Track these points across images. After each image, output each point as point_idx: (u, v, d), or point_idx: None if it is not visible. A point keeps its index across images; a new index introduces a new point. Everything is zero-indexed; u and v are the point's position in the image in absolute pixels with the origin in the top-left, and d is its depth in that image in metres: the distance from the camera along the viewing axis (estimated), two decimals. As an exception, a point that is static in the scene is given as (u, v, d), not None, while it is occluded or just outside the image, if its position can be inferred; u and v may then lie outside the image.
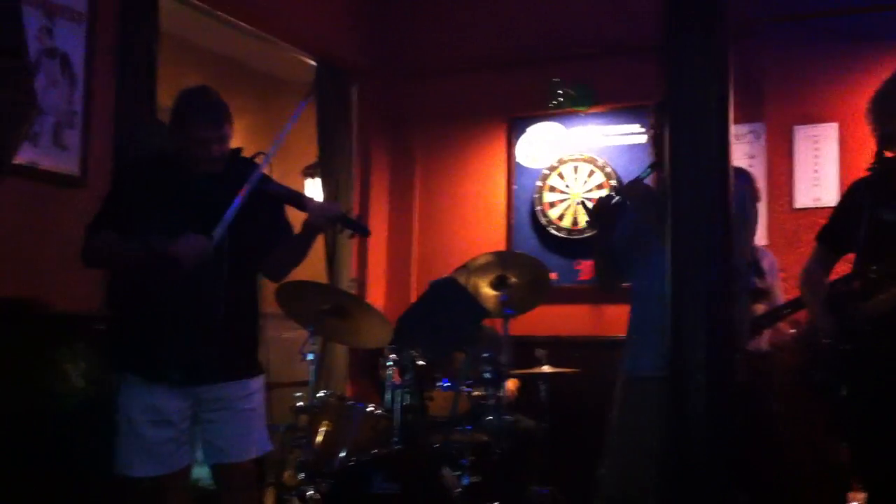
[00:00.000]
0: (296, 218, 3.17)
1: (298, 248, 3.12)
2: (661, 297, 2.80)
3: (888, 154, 2.83)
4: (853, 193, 2.95)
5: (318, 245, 5.33)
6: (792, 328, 3.87)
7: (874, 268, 2.85)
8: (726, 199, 2.36)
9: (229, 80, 5.83)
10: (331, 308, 4.10)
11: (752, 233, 3.50)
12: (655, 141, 3.11)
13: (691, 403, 2.29)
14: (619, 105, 5.48)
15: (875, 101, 2.94)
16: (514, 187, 5.74)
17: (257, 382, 3.10)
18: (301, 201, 3.08)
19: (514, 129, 5.77)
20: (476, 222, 5.87)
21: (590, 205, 3.74)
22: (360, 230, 3.13)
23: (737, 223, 3.78)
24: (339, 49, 5.66)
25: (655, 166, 3.06)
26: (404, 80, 6.09)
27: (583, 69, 5.52)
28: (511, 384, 4.60)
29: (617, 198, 3.07)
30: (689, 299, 2.32)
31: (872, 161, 2.81)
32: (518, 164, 5.74)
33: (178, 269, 2.78)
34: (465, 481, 3.80)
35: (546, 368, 4.51)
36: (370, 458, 3.78)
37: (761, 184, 5.09)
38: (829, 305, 2.89)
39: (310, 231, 3.06)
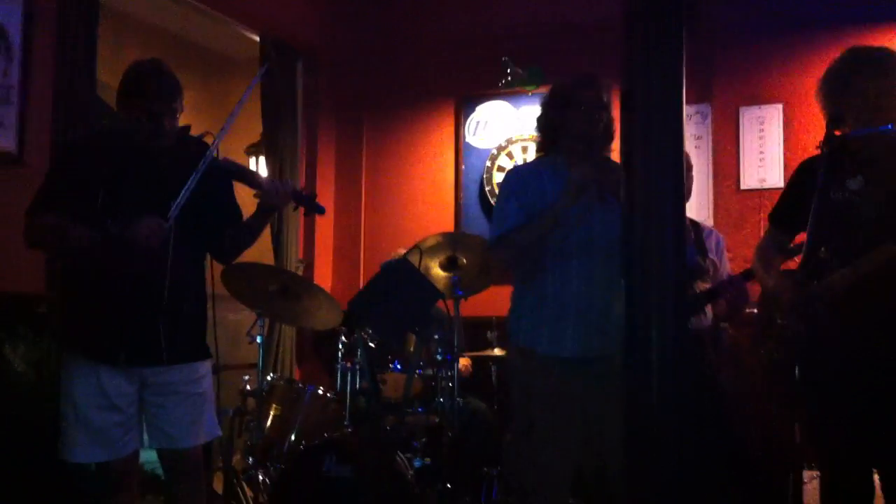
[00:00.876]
0: (245, 200, 3.11)
1: (251, 228, 3.06)
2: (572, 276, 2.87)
3: (837, 133, 2.85)
4: (802, 173, 2.97)
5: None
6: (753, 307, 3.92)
7: (823, 248, 2.88)
8: (681, 183, 2.38)
9: (171, 56, 5.61)
10: (278, 289, 4.04)
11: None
12: (541, 125, 3.12)
13: (650, 387, 2.32)
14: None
15: (824, 81, 2.97)
16: (463, 167, 5.70)
17: (205, 366, 3.04)
18: (253, 179, 3.02)
19: (463, 108, 5.73)
20: (424, 202, 5.83)
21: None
22: (315, 207, 3.06)
23: None
24: (285, 25, 5.56)
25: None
26: (352, 57, 6.01)
27: (533, 48, 5.49)
28: (464, 362, 4.60)
29: None
30: (644, 283, 2.35)
31: (821, 140, 2.83)
32: (467, 143, 5.71)
33: (133, 252, 2.71)
34: (416, 464, 3.79)
35: (497, 351, 4.50)
36: (321, 441, 3.74)
37: (707, 165, 5.15)
38: (783, 285, 2.91)
39: (264, 211, 3.01)
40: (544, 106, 3.11)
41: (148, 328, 2.86)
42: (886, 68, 2.87)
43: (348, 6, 5.98)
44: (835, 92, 2.92)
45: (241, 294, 4.10)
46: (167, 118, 2.88)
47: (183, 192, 2.75)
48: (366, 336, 3.75)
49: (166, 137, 2.90)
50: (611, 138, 3.00)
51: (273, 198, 2.96)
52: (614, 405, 2.43)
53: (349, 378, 3.92)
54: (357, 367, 3.82)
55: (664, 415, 2.31)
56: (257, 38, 5.45)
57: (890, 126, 2.84)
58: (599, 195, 2.89)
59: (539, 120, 3.13)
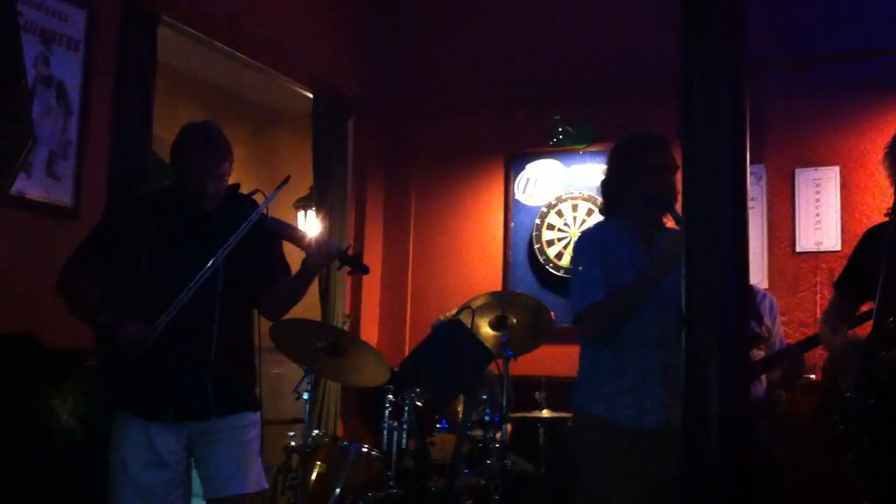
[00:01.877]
0: (293, 255, 3.11)
1: (297, 286, 3.08)
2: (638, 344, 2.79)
3: None
4: (869, 240, 2.91)
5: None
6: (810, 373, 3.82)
7: (892, 318, 2.80)
8: (743, 244, 2.33)
9: (224, 111, 5.77)
10: (326, 345, 4.02)
11: None
12: (606, 186, 3.08)
13: (708, 457, 2.25)
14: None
15: (891, 148, 2.91)
16: (512, 225, 5.67)
17: (253, 416, 3.03)
18: (299, 237, 3.04)
19: (513, 166, 5.72)
20: (472, 260, 5.79)
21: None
22: (360, 267, 3.07)
23: None
24: (337, 82, 5.61)
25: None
26: (403, 115, 6.05)
27: (582, 108, 5.49)
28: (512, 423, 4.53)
29: None
30: (704, 349, 2.29)
31: (890, 208, 2.78)
32: (516, 201, 5.68)
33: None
34: (463, 525, 3.71)
35: (545, 412, 4.42)
36: (365, 500, 3.67)
37: (762, 227, 5.06)
38: (851, 355, 2.83)
39: (308, 269, 3.02)
40: (611, 166, 3.07)
41: (196, 384, 2.88)
42: None
43: (399, 63, 6.03)
44: None
45: (289, 349, 4.08)
46: (212, 181, 2.92)
47: (218, 252, 2.79)
48: (415, 396, 3.71)
49: (212, 199, 2.95)
50: (675, 201, 2.95)
51: (317, 257, 2.98)
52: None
53: (395, 437, 3.86)
54: (404, 426, 3.76)
55: (721, 485, 2.25)
56: (309, 94, 5.51)
57: None
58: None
59: (605, 181, 3.09)
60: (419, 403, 3.74)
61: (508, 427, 4.54)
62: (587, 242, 3.04)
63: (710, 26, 2.35)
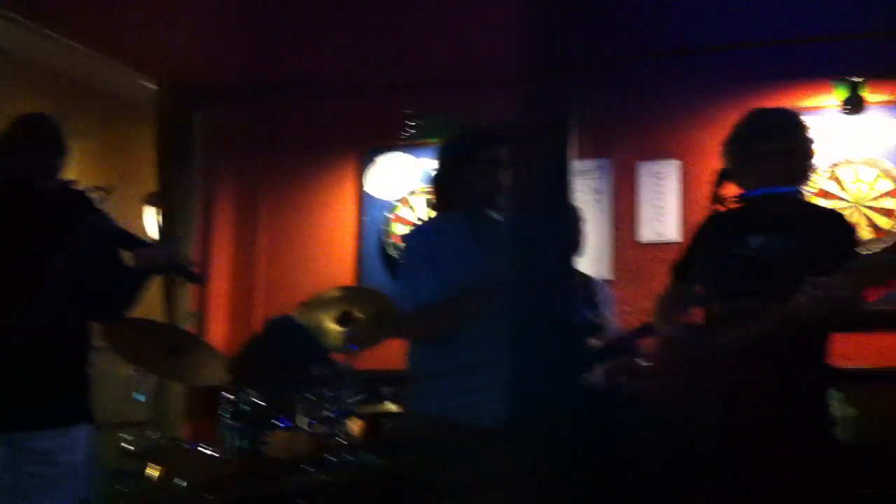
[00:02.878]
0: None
1: (128, 291, 2.98)
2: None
3: (740, 191, 2.89)
4: (705, 229, 2.98)
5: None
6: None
7: (721, 304, 2.89)
8: (568, 241, 2.35)
9: (70, 102, 5.49)
10: (165, 346, 3.88)
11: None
12: (440, 181, 3.04)
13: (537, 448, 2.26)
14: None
15: (727, 143, 2.99)
16: (365, 218, 5.62)
17: (81, 431, 2.89)
18: (130, 243, 2.94)
19: (365, 158, 5.67)
20: (324, 254, 5.72)
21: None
22: (191, 277, 2.99)
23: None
24: (182, 72, 5.41)
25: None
26: (253, 106, 5.89)
27: (438, 98, 5.44)
28: (356, 425, 4.48)
29: None
30: (531, 342, 2.30)
31: (723, 197, 2.87)
32: (368, 194, 5.64)
33: None
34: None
35: (392, 406, 4.39)
36: (203, 502, 3.57)
37: (606, 218, 5.17)
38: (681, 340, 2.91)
39: (139, 275, 2.92)
40: (443, 161, 3.03)
41: (20, 389, 2.74)
42: (785, 130, 2.91)
43: (250, 52, 5.86)
44: (736, 153, 2.96)
45: (124, 351, 3.92)
46: (40, 178, 2.82)
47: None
48: (252, 393, 3.62)
49: (39, 196, 2.83)
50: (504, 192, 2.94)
51: (145, 264, 2.89)
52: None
53: (235, 437, 3.76)
54: (242, 425, 3.67)
55: (553, 475, 2.26)
56: (153, 86, 5.31)
57: (793, 189, 2.88)
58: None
59: (437, 176, 3.05)
60: (259, 402, 3.64)
61: (359, 422, 4.50)
62: (415, 239, 2.98)
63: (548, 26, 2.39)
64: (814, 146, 2.94)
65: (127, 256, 3.02)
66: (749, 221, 2.88)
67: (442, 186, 3.02)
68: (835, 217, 3.07)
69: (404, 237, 3.07)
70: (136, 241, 2.99)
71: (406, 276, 2.90)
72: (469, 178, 2.91)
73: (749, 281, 2.80)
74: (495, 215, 2.93)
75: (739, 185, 2.94)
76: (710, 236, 2.92)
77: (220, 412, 3.95)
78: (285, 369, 3.24)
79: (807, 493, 2.66)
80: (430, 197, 3.10)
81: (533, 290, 2.28)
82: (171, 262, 2.98)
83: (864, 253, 2.51)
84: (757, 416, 2.70)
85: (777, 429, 2.67)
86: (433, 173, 3.06)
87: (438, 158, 3.05)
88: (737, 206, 2.91)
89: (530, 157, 2.38)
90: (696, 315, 3.06)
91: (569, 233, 2.24)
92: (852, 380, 4.54)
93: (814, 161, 2.95)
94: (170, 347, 3.89)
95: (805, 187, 2.99)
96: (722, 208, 2.95)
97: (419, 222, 3.16)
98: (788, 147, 2.89)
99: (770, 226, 2.84)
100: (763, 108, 3.07)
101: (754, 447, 2.68)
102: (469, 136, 3.02)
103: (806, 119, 2.97)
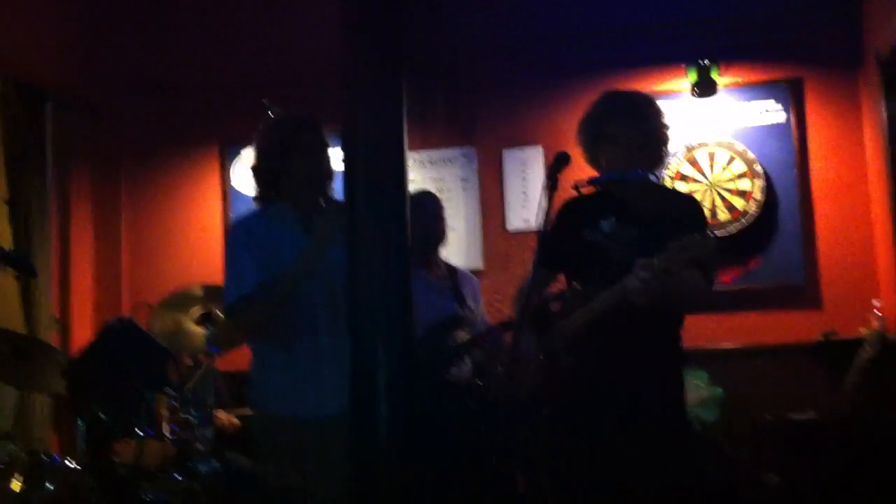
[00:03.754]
0: None
1: None
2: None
3: (593, 175, 2.92)
4: (562, 215, 3.00)
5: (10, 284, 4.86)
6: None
7: (570, 287, 2.92)
8: (405, 232, 2.32)
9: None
10: (10, 352, 3.69)
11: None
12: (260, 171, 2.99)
13: (375, 441, 2.24)
14: (336, 127, 5.36)
15: (580, 126, 3.02)
16: (231, 214, 5.50)
17: None
18: None
19: (228, 154, 5.55)
20: (192, 251, 5.57)
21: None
22: (23, 267, 2.85)
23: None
24: (31, 64, 5.16)
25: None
26: (109, 102, 5.69)
27: (301, 91, 5.36)
28: (226, 419, 4.38)
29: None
30: (369, 336, 2.27)
31: (575, 182, 2.91)
32: (233, 189, 5.52)
33: None
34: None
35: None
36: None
37: (475, 207, 5.18)
38: (533, 324, 2.92)
39: None
40: (260, 151, 2.96)
41: None
42: (638, 113, 2.93)
43: (102, 45, 5.61)
44: (590, 137, 2.98)
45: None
46: None
47: None
48: (94, 403, 3.48)
49: None
50: (332, 178, 2.90)
51: None
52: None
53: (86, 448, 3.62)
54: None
55: (389, 469, 2.24)
56: (-1, 81, 5.06)
57: (640, 171, 2.91)
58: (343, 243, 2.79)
59: (256, 165, 2.98)
60: (101, 410, 3.50)
61: (230, 420, 4.40)
62: (238, 231, 2.95)
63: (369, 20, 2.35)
64: (666, 130, 2.97)
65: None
66: (601, 206, 2.92)
67: (261, 176, 2.96)
68: (685, 200, 3.13)
69: (227, 232, 3.02)
70: None
71: (228, 268, 2.87)
72: (288, 166, 2.86)
73: (600, 265, 2.83)
74: (323, 202, 2.89)
75: (595, 168, 2.97)
76: (564, 222, 2.96)
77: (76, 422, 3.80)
78: (128, 374, 3.12)
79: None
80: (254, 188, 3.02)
81: (367, 280, 2.27)
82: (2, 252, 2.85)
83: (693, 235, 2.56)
84: (594, 402, 2.75)
85: (619, 415, 2.72)
86: (253, 164, 2.99)
87: (255, 147, 2.98)
88: (591, 190, 2.95)
89: (351, 146, 2.37)
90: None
91: (404, 222, 2.21)
92: (721, 359, 4.70)
93: (667, 145, 2.98)
94: (13, 352, 3.70)
95: (658, 171, 3.04)
96: (575, 193, 3.00)
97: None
98: (639, 130, 2.91)
99: (621, 210, 2.87)
100: (615, 90, 3.09)
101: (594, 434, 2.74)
102: (285, 122, 2.96)
103: (658, 102, 3.01)
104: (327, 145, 2.88)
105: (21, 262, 2.86)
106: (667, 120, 2.99)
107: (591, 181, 2.95)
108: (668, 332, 2.88)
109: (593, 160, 3.00)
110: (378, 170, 2.35)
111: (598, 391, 2.76)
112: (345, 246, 2.62)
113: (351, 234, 2.34)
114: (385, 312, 2.27)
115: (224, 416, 4.40)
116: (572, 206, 3.01)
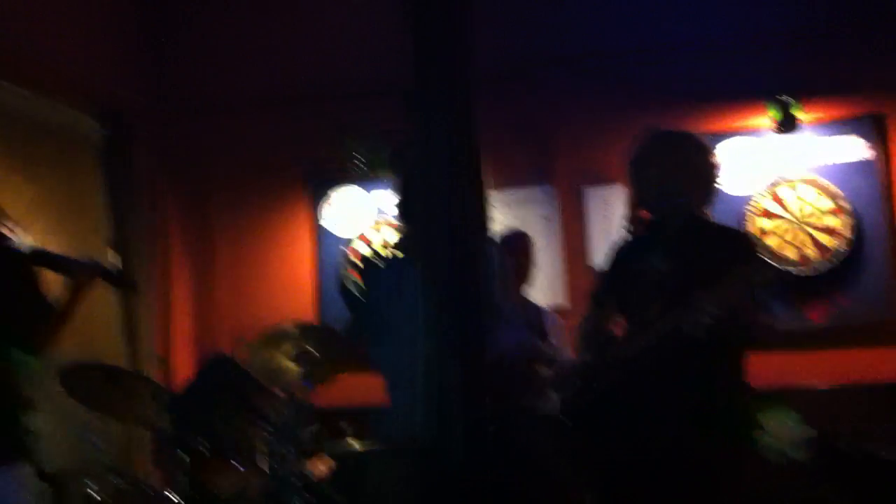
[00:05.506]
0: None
1: (58, 312, 2.95)
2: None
3: (642, 214, 3.01)
4: (616, 252, 3.12)
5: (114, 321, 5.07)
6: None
7: (623, 317, 3.04)
8: (476, 259, 2.39)
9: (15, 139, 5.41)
10: (113, 387, 3.85)
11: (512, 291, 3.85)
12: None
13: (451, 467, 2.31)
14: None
15: (629, 165, 3.10)
16: (320, 253, 5.66)
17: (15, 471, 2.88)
18: (54, 262, 2.96)
19: (314, 187, 5.68)
20: (283, 290, 5.71)
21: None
22: (120, 283, 3.01)
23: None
24: (121, 100, 5.32)
25: None
26: (196, 135, 5.81)
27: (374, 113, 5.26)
28: (322, 464, 4.46)
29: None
30: (446, 370, 2.35)
31: (627, 220, 3.01)
32: (322, 227, 5.67)
33: None
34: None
35: (354, 443, 4.38)
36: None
37: (558, 244, 5.24)
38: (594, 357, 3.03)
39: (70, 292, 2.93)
40: (407, 184, 3.09)
41: None
42: (680, 151, 3.01)
43: (179, 72, 5.77)
44: (635, 178, 3.07)
45: (82, 395, 3.90)
46: None
47: None
48: (193, 437, 3.62)
49: None
50: None
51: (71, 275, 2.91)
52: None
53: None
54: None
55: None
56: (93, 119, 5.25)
57: (686, 207, 3.01)
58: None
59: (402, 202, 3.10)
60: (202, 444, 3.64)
61: (325, 460, 4.49)
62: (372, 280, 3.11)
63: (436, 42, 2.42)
64: (712, 167, 3.04)
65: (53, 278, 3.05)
66: (649, 243, 3.03)
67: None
68: (733, 235, 3.20)
69: (362, 274, 3.16)
70: (58, 258, 3.00)
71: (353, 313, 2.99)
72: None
73: (650, 300, 2.93)
74: None
75: (645, 208, 3.08)
76: (619, 259, 3.09)
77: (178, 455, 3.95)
78: (219, 410, 3.26)
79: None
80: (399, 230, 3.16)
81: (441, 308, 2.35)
82: (101, 269, 3.01)
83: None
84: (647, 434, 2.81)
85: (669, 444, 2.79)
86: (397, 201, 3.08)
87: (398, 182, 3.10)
88: (643, 228, 3.07)
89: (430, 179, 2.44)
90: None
91: (482, 261, 2.30)
92: (812, 398, 4.65)
93: (713, 181, 3.05)
94: (113, 384, 3.85)
95: (706, 206, 3.10)
96: (631, 232, 3.13)
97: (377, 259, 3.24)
98: (680, 169, 2.99)
99: (669, 246, 2.97)
100: (661, 130, 3.15)
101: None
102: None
103: (706, 140, 3.11)
104: None
105: (118, 278, 3.02)
106: (714, 157, 3.07)
107: (640, 220, 3.05)
108: (724, 363, 2.92)
109: (642, 201, 3.09)
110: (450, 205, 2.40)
111: (649, 424, 2.85)
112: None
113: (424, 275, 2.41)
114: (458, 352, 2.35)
115: (320, 462, 4.45)
116: (623, 245, 3.13)
